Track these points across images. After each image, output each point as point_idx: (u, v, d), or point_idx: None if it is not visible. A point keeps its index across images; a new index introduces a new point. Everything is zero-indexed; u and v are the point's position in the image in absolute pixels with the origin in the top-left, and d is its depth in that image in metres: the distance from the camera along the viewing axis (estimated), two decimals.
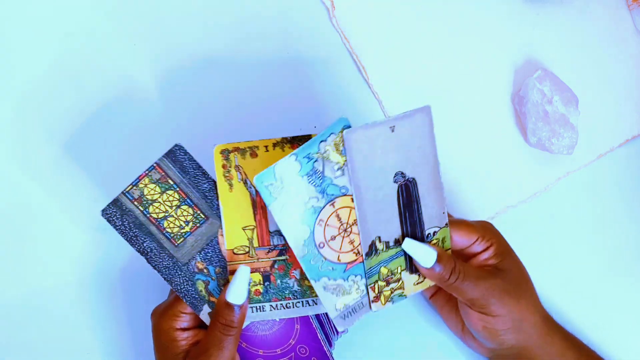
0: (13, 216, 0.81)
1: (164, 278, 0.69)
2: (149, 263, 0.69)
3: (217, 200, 0.69)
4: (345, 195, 0.66)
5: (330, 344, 0.73)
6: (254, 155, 0.69)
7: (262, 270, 0.70)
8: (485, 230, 0.72)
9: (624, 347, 0.80)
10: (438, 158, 0.67)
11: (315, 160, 0.64)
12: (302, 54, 0.83)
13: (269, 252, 0.70)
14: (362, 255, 0.67)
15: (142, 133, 0.81)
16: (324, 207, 0.66)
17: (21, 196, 0.81)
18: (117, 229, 0.68)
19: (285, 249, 0.70)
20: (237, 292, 0.67)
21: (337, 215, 0.66)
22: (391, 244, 0.68)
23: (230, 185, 0.69)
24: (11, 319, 0.80)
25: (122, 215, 0.68)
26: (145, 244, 0.69)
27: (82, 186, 0.80)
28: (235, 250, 0.69)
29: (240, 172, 0.69)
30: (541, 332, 0.72)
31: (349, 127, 0.64)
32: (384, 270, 0.68)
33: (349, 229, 0.67)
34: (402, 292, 0.70)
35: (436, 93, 0.83)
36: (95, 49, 0.82)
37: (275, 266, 0.70)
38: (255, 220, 0.69)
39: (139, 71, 0.82)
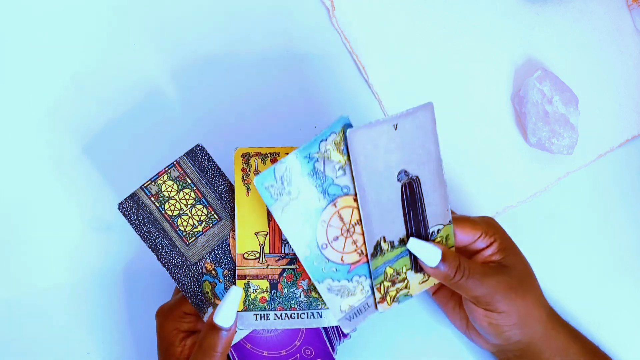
0: (18, 214, 0.80)
1: (172, 276, 0.69)
2: (159, 260, 0.69)
3: (233, 202, 0.69)
4: (347, 195, 0.65)
5: (333, 350, 0.73)
6: (274, 161, 0.69)
7: (270, 277, 0.69)
8: (489, 225, 0.71)
9: (624, 346, 0.81)
10: (441, 155, 0.67)
11: (316, 160, 0.63)
12: (302, 54, 0.83)
13: (279, 259, 0.69)
14: (365, 256, 0.67)
15: (159, 137, 0.81)
16: (325, 207, 0.65)
17: (30, 195, 0.81)
18: (131, 224, 0.68)
19: (295, 258, 0.69)
20: (225, 314, 0.66)
21: (340, 216, 0.65)
22: (396, 243, 0.67)
23: (248, 189, 0.69)
24: (11, 319, 0.79)
25: (138, 209, 0.68)
26: (157, 241, 0.69)
27: (96, 187, 0.80)
28: (245, 255, 0.69)
29: None
30: (546, 326, 0.72)
31: (350, 125, 0.63)
32: (389, 271, 0.68)
33: (352, 229, 0.66)
34: (408, 292, 0.69)
35: (436, 93, 0.83)
36: (118, 55, 0.83)
37: (284, 274, 0.70)
38: (268, 227, 0.69)
39: (158, 75, 0.82)
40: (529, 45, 0.84)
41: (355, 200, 0.65)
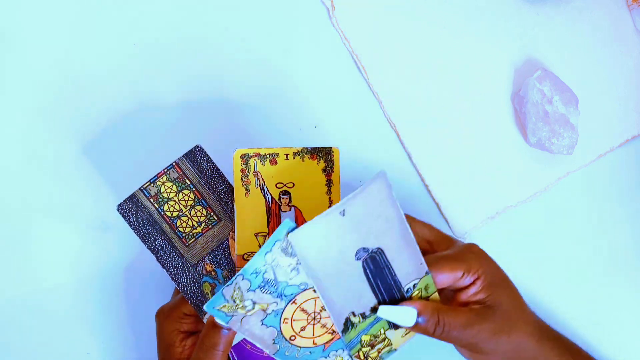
0: (18, 215, 0.80)
1: (172, 278, 0.69)
2: (159, 261, 0.69)
3: (232, 203, 0.69)
4: (306, 290, 0.63)
5: None
6: (273, 162, 0.69)
7: None
8: (471, 260, 0.67)
9: (624, 346, 0.81)
10: (403, 215, 0.62)
11: (265, 272, 0.60)
12: (302, 54, 0.83)
13: None
14: (338, 333, 0.65)
15: (157, 139, 0.81)
16: (285, 307, 0.63)
17: (30, 196, 0.81)
18: (130, 225, 0.68)
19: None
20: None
21: (302, 309, 0.63)
22: (367, 313, 0.64)
23: (247, 190, 0.69)
24: (11, 319, 0.79)
25: (137, 211, 0.68)
26: (156, 242, 0.69)
27: (96, 188, 0.80)
28: (245, 256, 0.69)
29: (258, 178, 0.69)
30: (535, 350, 0.70)
31: (294, 228, 0.59)
32: (365, 338, 0.65)
33: (318, 316, 0.64)
34: (391, 348, 0.67)
35: (436, 93, 0.83)
36: (118, 56, 0.82)
37: None
38: (268, 228, 0.69)
39: (157, 76, 0.82)
40: (529, 45, 0.84)
41: (315, 291, 0.63)
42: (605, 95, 0.84)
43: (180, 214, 0.69)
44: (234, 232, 0.69)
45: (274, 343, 0.63)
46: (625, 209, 0.83)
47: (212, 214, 0.70)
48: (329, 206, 0.69)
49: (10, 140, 0.81)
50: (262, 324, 0.62)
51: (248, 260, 0.69)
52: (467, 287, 0.67)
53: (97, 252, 0.80)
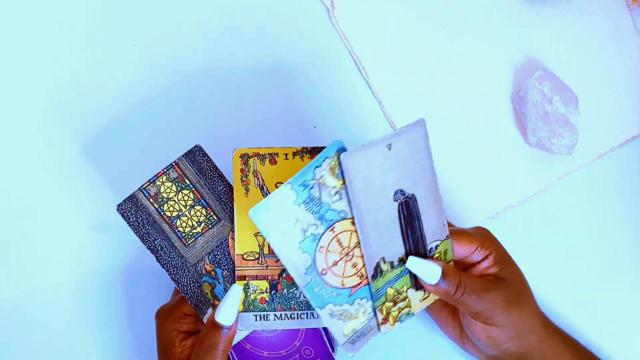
0: (17, 215, 0.80)
1: (172, 278, 0.69)
2: (158, 261, 0.69)
3: (232, 203, 0.69)
4: (344, 219, 0.64)
5: (332, 350, 0.73)
6: (273, 162, 0.69)
7: (269, 278, 0.69)
8: (484, 238, 0.71)
9: (624, 346, 0.81)
10: (435, 170, 0.66)
11: (312, 187, 0.62)
12: (302, 54, 0.83)
13: (278, 260, 0.69)
14: (366, 278, 0.66)
15: (157, 139, 0.81)
16: (323, 233, 0.63)
17: (30, 196, 0.80)
18: (130, 225, 0.68)
19: None
20: (226, 313, 0.66)
21: (338, 240, 0.64)
22: (395, 263, 0.66)
23: (247, 190, 0.69)
24: (11, 319, 0.79)
25: (137, 211, 0.68)
26: (156, 242, 0.69)
27: (96, 188, 0.80)
28: (245, 256, 0.69)
29: (257, 178, 0.69)
30: (541, 337, 0.72)
31: (344, 149, 0.62)
32: (390, 291, 0.67)
33: (351, 253, 0.65)
34: (410, 311, 0.69)
35: (436, 93, 0.83)
36: (118, 56, 0.82)
37: (283, 275, 0.70)
38: None
39: (157, 75, 0.82)
40: (529, 45, 0.84)
41: (353, 223, 0.64)
42: (605, 95, 0.84)
43: (180, 213, 0.69)
44: (233, 231, 0.69)
45: (305, 273, 0.63)
46: (625, 209, 0.83)
47: (211, 213, 0.70)
48: None
49: (9, 140, 0.81)
50: (299, 247, 0.63)
51: (248, 260, 0.69)
52: (479, 262, 0.70)
53: (97, 252, 0.80)
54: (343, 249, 0.65)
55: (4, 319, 0.79)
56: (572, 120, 0.80)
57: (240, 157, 0.69)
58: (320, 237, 0.63)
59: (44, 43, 0.82)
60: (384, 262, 0.66)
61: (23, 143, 0.81)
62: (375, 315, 0.67)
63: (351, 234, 0.65)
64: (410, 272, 0.68)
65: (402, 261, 0.67)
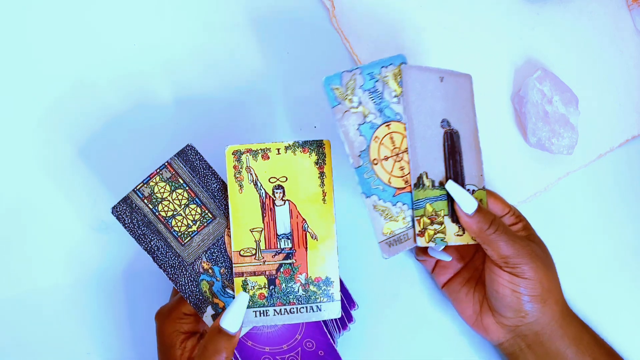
0: (16, 216, 0.80)
1: (169, 277, 0.69)
2: (155, 262, 0.69)
3: (226, 200, 0.70)
4: (399, 121, 0.69)
5: (334, 341, 0.73)
6: (265, 157, 0.69)
7: (267, 273, 0.70)
8: (515, 208, 0.75)
9: (625, 346, 0.81)
10: (477, 125, 0.72)
11: (377, 80, 0.68)
12: (302, 54, 0.83)
13: (275, 255, 0.69)
14: (410, 185, 0.69)
15: (153, 138, 0.81)
16: (380, 125, 0.68)
17: (28, 197, 0.81)
18: (125, 227, 0.68)
19: (292, 252, 0.69)
20: (232, 319, 0.66)
21: (391, 138, 0.69)
22: (436, 183, 0.70)
23: (241, 186, 0.69)
24: (11, 319, 0.80)
25: (132, 213, 0.68)
26: (152, 243, 0.69)
27: (93, 188, 0.80)
28: (241, 252, 0.69)
29: (251, 174, 0.69)
30: (562, 312, 0.73)
31: (406, 63, 0.69)
32: (429, 208, 0.70)
33: (401, 155, 0.69)
34: (444, 237, 0.71)
35: None
36: (113, 58, 0.82)
37: (281, 270, 0.70)
38: (263, 222, 0.69)
39: (152, 78, 0.82)
40: (529, 45, 0.84)
41: (406, 129, 0.69)
42: (605, 95, 0.83)
43: (175, 213, 0.69)
44: (229, 228, 0.70)
45: (359, 156, 0.67)
46: (625, 209, 0.83)
47: (206, 211, 0.70)
48: (323, 199, 0.70)
49: (7, 143, 0.81)
50: (357, 129, 0.67)
51: (245, 256, 0.69)
52: (510, 225, 0.74)
53: (96, 253, 0.80)
54: (395, 147, 0.69)
55: (4, 319, 0.79)
56: (572, 120, 0.80)
57: (232, 154, 0.69)
58: (377, 127, 0.68)
59: (40, 46, 0.83)
60: (427, 177, 0.70)
61: (21, 145, 0.81)
62: (413, 225, 0.69)
63: (403, 137, 0.69)
64: (448, 200, 0.70)
65: (442, 184, 0.71)
